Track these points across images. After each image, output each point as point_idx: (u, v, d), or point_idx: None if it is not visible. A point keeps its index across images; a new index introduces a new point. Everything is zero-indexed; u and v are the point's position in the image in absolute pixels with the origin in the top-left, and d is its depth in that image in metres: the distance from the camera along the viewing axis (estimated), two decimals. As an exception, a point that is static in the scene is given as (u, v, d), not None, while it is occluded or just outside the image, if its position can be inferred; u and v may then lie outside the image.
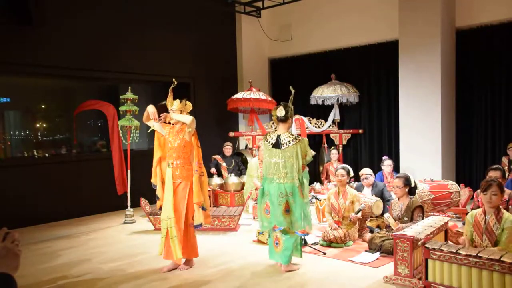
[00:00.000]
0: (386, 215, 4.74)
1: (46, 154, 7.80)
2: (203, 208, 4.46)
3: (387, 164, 7.31)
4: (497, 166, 5.20)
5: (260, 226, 4.65)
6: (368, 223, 5.58)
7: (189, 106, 4.70)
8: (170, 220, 4.34)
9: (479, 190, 4.74)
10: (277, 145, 4.34)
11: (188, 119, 4.41)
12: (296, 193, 4.26)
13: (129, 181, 6.83)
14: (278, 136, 4.36)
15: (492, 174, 4.77)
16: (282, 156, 4.28)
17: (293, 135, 4.35)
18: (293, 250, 4.34)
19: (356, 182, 6.50)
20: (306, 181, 4.38)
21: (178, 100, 4.60)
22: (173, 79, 4.73)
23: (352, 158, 9.31)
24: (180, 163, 4.46)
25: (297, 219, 4.26)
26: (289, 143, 4.27)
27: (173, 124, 4.59)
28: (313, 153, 4.54)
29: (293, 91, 4.54)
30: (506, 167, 6.43)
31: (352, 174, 5.55)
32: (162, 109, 4.74)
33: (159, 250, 4.47)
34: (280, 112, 4.37)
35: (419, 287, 3.65)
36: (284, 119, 4.38)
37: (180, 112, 4.57)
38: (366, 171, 6.06)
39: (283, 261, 4.31)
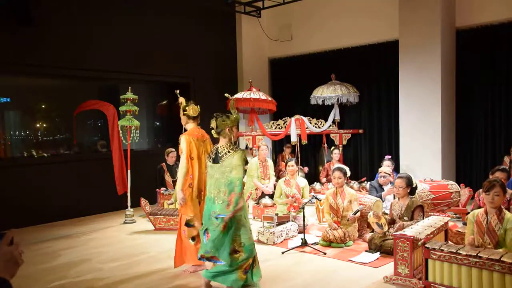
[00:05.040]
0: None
1: (45, 154, 7.78)
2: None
3: (385, 165, 7.21)
4: (503, 167, 5.22)
5: (203, 250, 3.84)
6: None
7: (194, 109, 4.46)
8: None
9: (480, 190, 4.75)
10: (216, 159, 3.81)
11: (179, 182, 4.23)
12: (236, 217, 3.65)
13: (129, 181, 6.83)
14: (217, 149, 3.86)
15: (499, 175, 4.78)
16: (221, 171, 3.73)
17: (230, 145, 3.82)
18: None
19: (367, 182, 6.55)
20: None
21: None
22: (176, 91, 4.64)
23: (352, 158, 9.31)
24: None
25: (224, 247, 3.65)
26: (226, 155, 3.75)
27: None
28: (245, 178, 3.80)
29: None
30: (507, 167, 6.44)
31: (349, 174, 5.59)
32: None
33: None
34: (212, 125, 3.88)
35: (419, 287, 3.65)
36: (218, 133, 3.85)
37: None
38: (385, 170, 6.24)
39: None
